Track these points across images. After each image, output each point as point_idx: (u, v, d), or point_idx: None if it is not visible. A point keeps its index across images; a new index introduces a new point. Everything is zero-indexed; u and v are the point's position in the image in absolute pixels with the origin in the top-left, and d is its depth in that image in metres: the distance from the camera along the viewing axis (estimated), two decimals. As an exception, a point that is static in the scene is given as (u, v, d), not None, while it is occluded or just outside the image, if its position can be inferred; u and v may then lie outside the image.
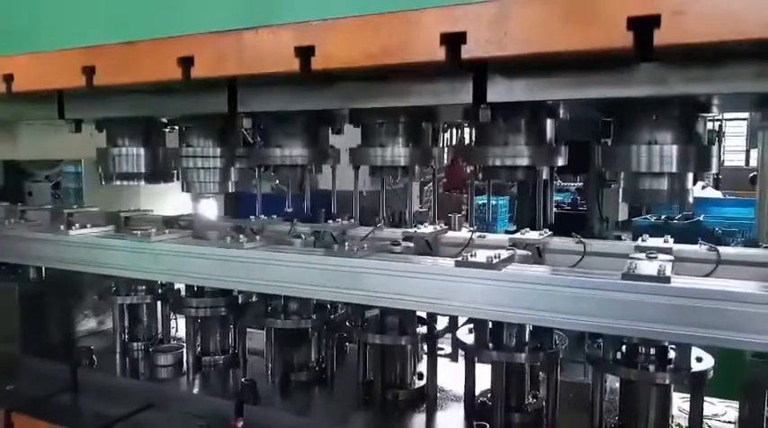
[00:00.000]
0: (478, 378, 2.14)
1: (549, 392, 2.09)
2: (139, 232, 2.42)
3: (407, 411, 2.21)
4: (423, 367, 2.30)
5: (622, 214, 9.01)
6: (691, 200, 1.86)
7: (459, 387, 2.25)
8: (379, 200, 2.52)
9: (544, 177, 2.08)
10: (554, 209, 2.31)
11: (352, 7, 1.64)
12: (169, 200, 3.77)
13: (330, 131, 2.51)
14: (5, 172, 5.84)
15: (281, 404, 2.30)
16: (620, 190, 1.92)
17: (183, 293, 2.65)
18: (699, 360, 1.86)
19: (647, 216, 8.65)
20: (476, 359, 2.10)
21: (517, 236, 2.16)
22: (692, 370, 1.81)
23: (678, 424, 1.98)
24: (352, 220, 2.54)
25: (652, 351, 1.86)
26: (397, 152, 2.22)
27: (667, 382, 1.87)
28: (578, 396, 2.20)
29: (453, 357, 2.48)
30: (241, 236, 2.23)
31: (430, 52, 1.55)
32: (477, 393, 2.16)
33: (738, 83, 1.47)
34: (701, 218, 8.34)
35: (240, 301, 2.58)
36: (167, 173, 2.79)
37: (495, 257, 1.79)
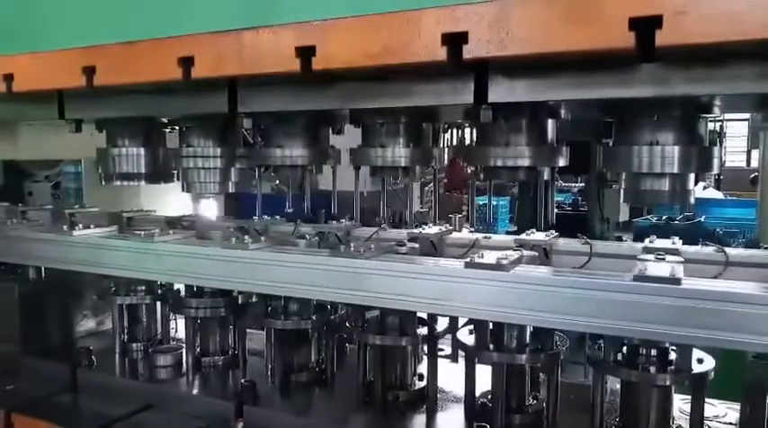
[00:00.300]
0: (479, 379, 2.13)
1: (549, 393, 2.08)
2: (143, 232, 2.41)
3: (408, 412, 2.20)
4: (423, 368, 2.30)
5: (623, 215, 9.00)
6: (692, 200, 1.86)
7: (459, 389, 2.25)
8: (380, 200, 2.52)
9: (545, 178, 2.08)
10: (555, 210, 2.30)
11: (353, 7, 1.64)
12: (169, 200, 3.76)
13: (330, 131, 2.51)
14: (5, 172, 5.84)
15: (281, 405, 2.29)
16: (622, 190, 1.92)
17: (182, 293, 2.64)
18: (700, 361, 1.85)
19: (649, 216, 8.64)
20: (476, 360, 2.10)
21: (523, 237, 2.13)
22: (693, 372, 1.81)
23: (679, 426, 1.97)
24: (355, 221, 2.53)
25: (653, 352, 1.85)
26: (398, 152, 2.22)
27: (668, 384, 1.87)
28: (579, 397, 2.20)
29: (454, 358, 2.48)
30: (246, 236, 2.21)
31: (431, 52, 1.55)
32: (477, 394, 2.15)
33: (740, 83, 1.46)
34: (703, 219, 8.33)
35: (240, 302, 2.57)
36: (167, 173, 2.79)
37: (504, 258, 1.77)
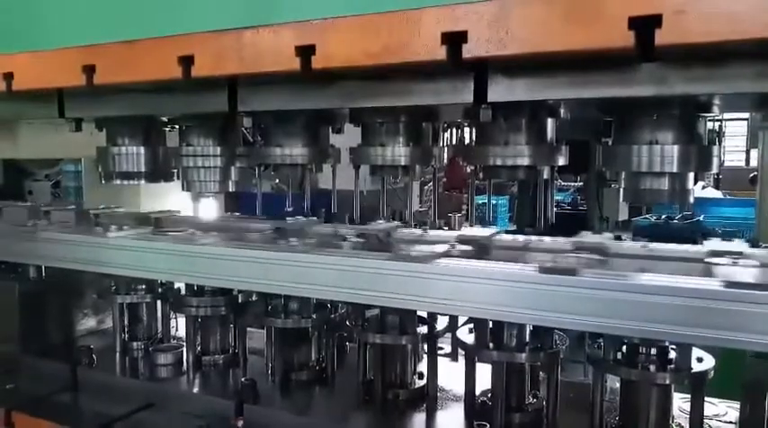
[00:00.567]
0: (479, 377, 2.13)
1: (549, 392, 2.08)
2: (180, 234, 2.32)
3: (408, 411, 2.21)
4: (423, 366, 2.30)
5: (623, 214, 9.00)
6: (691, 200, 1.86)
7: (459, 387, 2.25)
8: (380, 199, 2.52)
9: (545, 177, 2.08)
10: (554, 209, 2.30)
11: (353, 6, 1.64)
12: (169, 199, 3.76)
13: (330, 130, 2.51)
14: (5, 171, 5.83)
15: (282, 403, 2.30)
16: (621, 189, 1.92)
17: (182, 292, 2.64)
18: (699, 360, 1.85)
19: (648, 216, 8.64)
20: (476, 358, 2.10)
21: (581, 238, 2.06)
22: (693, 371, 1.81)
23: (679, 425, 1.98)
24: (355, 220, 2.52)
25: (653, 351, 1.86)
26: (398, 151, 2.22)
27: (668, 382, 1.87)
28: (579, 396, 2.20)
29: (453, 357, 2.48)
30: (293, 239, 2.12)
31: (431, 51, 1.55)
32: (477, 393, 2.15)
33: (739, 83, 1.46)
34: (701, 218, 8.33)
35: (240, 300, 2.57)
36: (167, 172, 2.79)
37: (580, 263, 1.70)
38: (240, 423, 2.19)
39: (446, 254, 1.88)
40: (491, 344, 2.01)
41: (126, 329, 2.86)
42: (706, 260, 1.80)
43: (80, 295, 3.05)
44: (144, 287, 2.79)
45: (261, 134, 2.52)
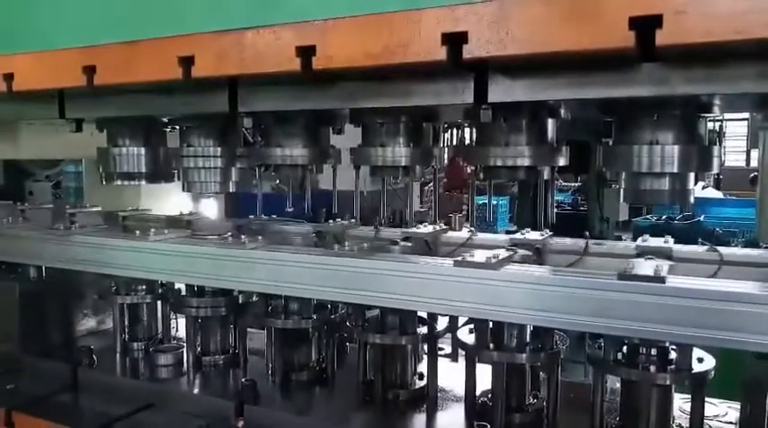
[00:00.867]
0: (479, 378, 2.13)
1: (549, 392, 2.09)
2: (229, 238, 2.28)
3: (408, 411, 2.21)
4: (423, 367, 2.30)
5: (623, 214, 9.02)
6: (692, 200, 1.86)
7: (459, 388, 2.25)
8: (380, 199, 2.52)
9: (545, 177, 2.08)
10: (555, 209, 2.30)
11: (354, 7, 1.64)
12: (170, 199, 3.76)
13: (331, 131, 2.51)
14: (6, 171, 5.84)
15: (282, 404, 2.30)
16: (621, 190, 1.92)
17: (183, 292, 2.64)
18: (700, 360, 1.85)
19: (648, 216, 8.65)
20: (476, 359, 2.10)
21: (644, 243, 2.05)
22: (693, 371, 1.81)
23: (679, 425, 1.98)
24: (356, 220, 2.53)
25: (653, 351, 1.85)
26: (398, 152, 2.22)
27: (668, 383, 1.87)
28: (579, 396, 2.20)
29: (454, 357, 2.48)
30: (348, 243, 2.09)
31: (431, 52, 1.55)
32: (477, 393, 2.15)
33: (740, 83, 1.46)
34: (702, 219, 8.33)
35: (240, 301, 2.57)
36: (168, 172, 2.79)
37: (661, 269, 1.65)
38: (240, 423, 2.20)
39: (509, 260, 1.89)
40: (491, 345, 2.01)
41: (126, 329, 2.85)
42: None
43: (80, 295, 3.06)
44: (144, 287, 2.79)
45: (261, 134, 2.52)
